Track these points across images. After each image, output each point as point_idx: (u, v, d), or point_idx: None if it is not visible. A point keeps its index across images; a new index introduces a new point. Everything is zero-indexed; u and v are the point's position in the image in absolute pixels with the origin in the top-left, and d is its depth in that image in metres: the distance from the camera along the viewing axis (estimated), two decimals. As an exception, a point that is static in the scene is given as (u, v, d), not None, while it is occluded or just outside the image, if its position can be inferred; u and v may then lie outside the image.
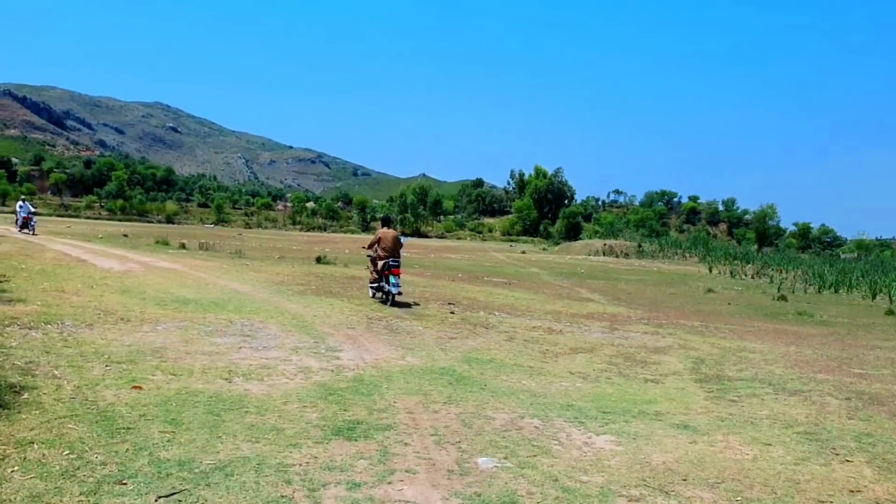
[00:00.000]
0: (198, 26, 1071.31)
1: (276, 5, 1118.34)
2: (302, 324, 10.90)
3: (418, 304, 14.62)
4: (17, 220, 34.98)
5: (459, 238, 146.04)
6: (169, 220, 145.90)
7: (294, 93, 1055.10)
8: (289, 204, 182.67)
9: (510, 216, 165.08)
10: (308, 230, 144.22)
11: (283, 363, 8.13)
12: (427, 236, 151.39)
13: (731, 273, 41.16)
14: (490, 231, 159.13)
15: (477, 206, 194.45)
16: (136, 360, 7.58)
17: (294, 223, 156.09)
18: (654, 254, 61.16)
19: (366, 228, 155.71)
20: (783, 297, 24.52)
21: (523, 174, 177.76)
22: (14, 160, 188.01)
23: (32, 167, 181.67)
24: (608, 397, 7.67)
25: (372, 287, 15.26)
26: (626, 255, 60.30)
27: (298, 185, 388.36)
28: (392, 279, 14.52)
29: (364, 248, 16.61)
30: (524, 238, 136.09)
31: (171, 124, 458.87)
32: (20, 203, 35.39)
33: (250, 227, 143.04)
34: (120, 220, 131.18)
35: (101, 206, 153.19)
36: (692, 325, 15.37)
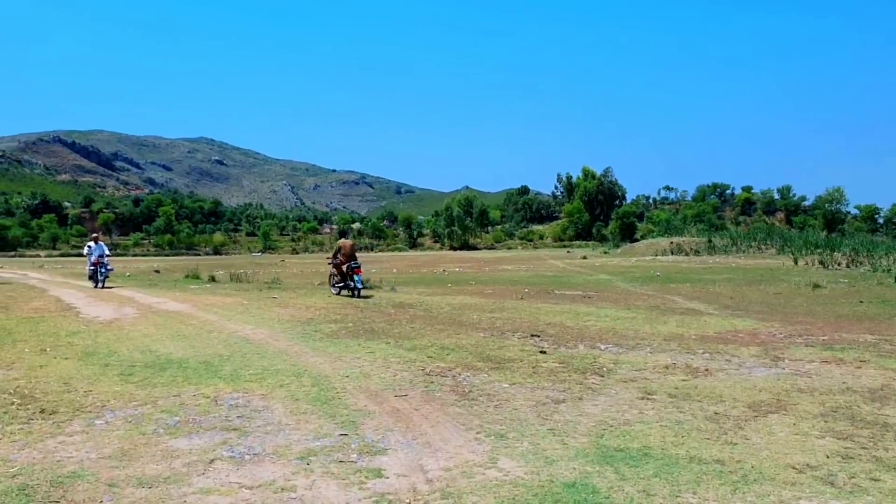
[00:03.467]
0: (237, 60, 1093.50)
1: (313, 35, 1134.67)
2: (325, 396, 7.06)
3: (394, 289, 10.94)
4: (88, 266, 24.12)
5: (510, 248, 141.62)
6: (216, 252, 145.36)
7: (335, 117, 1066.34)
8: (334, 226, 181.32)
9: (560, 221, 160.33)
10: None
11: (280, 496, 4.35)
12: (476, 248, 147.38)
13: (822, 263, 36.09)
14: (541, 238, 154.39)
15: (524, 213, 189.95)
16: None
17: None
18: (726, 248, 55.99)
19: (413, 245, 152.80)
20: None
21: (571, 177, 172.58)
22: (66, 204, 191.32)
23: (83, 210, 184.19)
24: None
25: (336, 286, 19.07)
26: (697, 252, 55.29)
27: (344, 208, 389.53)
28: (357, 277, 18.50)
29: (328, 259, 20.43)
30: (578, 242, 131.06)
31: (216, 157, 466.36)
32: (89, 244, 24.48)
33: (297, 253, 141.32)
34: (167, 255, 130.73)
35: (150, 243, 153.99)
36: (862, 339, 11.13)
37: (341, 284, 18.92)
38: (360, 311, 14.66)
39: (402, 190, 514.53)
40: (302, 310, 14.61)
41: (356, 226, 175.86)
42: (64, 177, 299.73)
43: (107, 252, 23.34)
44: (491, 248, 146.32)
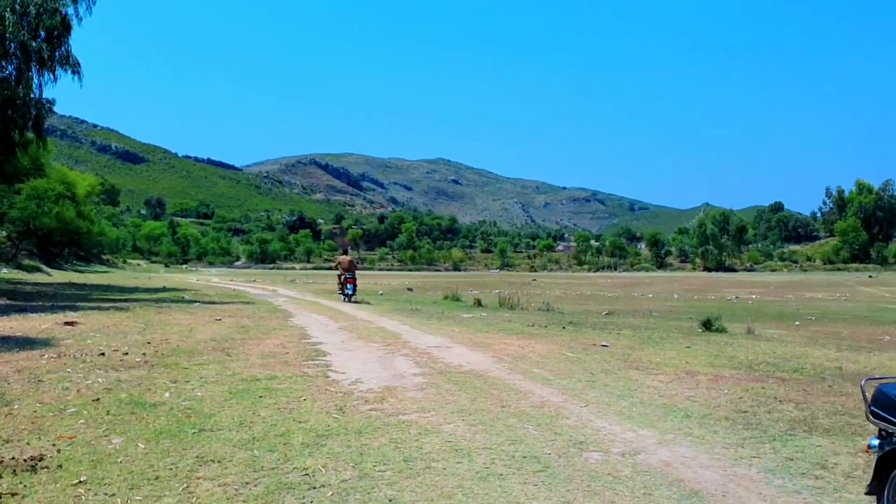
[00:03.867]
0: (471, 84, 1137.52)
1: (543, 57, 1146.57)
2: None
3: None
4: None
5: (773, 270, 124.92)
6: (455, 268, 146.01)
7: (566, 135, 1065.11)
8: (571, 244, 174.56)
9: (830, 241, 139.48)
10: (596, 270, 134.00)
11: None
12: (734, 269, 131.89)
13: None
14: (808, 259, 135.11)
15: (778, 232, 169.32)
16: None
17: (579, 263, 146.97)
18: None
19: (661, 265, 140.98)
20: None
21: (843, 191, 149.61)
22: (319, 221, 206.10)
23: (334, 226, 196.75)
24: None
25: (343, 293, 21.86)
26: None
27: (574, 225, 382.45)
28: (349, 286, 21.40)
29: (335, 267, 25.59)
30: (854, 265, 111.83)
31: (452, 177, 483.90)
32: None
33: (535, 270, 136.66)
34: (410, 270, 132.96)
35: (393, 258, 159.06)
36: None
37: (343, 293, 22.08)
38: (768, 386, 7.57)
39: (635, 207, 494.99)
40: (693, 383, 7.88)
41: (594, 243, 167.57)
42: (318, 196, 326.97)
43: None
44: (750, 269, 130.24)
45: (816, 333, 14.04)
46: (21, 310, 13.68)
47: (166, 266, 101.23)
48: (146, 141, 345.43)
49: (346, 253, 25.62)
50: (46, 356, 7.97)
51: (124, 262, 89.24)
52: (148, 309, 14.94)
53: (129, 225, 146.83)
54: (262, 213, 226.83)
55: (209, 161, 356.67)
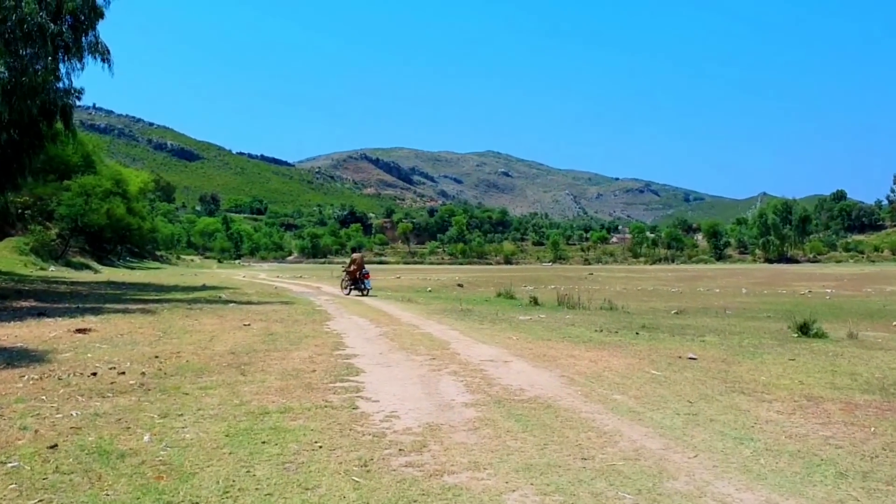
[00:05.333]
0: (520, 76, 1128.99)
1: (593, 48, 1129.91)
2: None
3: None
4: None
5: (838, 261, 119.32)
6: (507, 261, 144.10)
7: (618, 125, 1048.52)
8: (626, 235, 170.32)
9: None
10: (653, 262, 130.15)
11: None
12: (796, 261, 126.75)
13: None
14: (876, 250, 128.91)
15: (841, 222, 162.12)
16: None
17: (635, 256, 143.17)
18: None
19: (720, 257, 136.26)
20: None
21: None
22: (370, 215, 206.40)
23: (385, 220, 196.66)
24: None
25: (348, 288, 23.97)
26: None
27: (628, 216, 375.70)
28: (366, 282, 23.67)
29: (344, 268, 25.64)
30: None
31: (502, 169, 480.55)
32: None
33: (589, 263, 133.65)
34: (461, 264, 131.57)
35: (444, 251, 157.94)
36: None
37: (352, 286, 23.83)
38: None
39: (690, 197, 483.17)
40: (822, 415, 6.14)
41: (650, 235, 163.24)
42: (369, 190, 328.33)
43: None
44: (814, 260, 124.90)
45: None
46: (40, 313, 12.65)
47: (219, 262, 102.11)
48: (201, 138, 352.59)
49: (355, 251, 32.86)
50: (28, 376, 6.69)
51: (178, 257, 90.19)
52: (176, 311, 13.77)
53: (183, 221, 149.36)
54: (314, 208, 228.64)
55: (262, 157, 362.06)
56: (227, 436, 4.86)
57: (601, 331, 11.90)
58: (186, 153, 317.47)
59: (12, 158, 15.71)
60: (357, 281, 23.72)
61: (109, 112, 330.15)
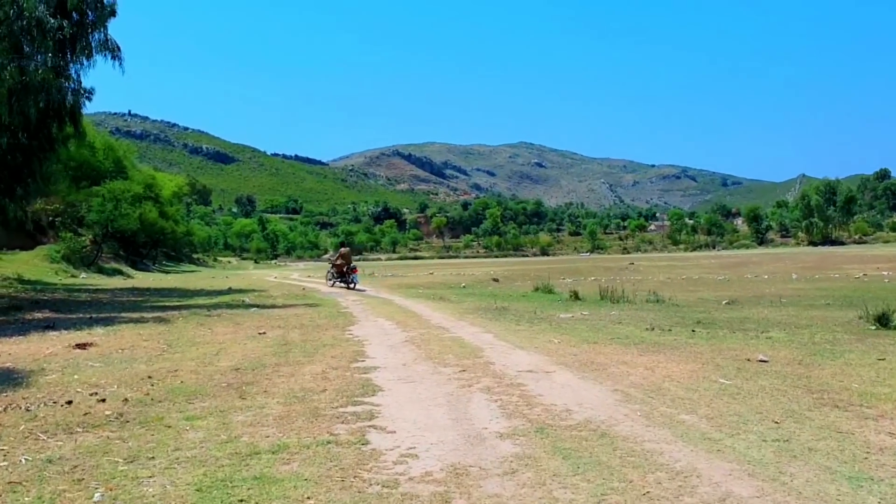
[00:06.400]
0: (551, 65, 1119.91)
1: (622, 31, 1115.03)
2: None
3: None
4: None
5: (886, 241, 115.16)
6: (543, 252, 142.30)
7: (653, 111, 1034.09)
8: (665, 223, 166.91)
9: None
10: (693, 249, 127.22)
11: None
12: (842, 243, 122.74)
13: None
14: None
15: (886, 201, 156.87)
16: None
17: (675, 243, 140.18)
18: None
19: (762, 241, 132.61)
20: None
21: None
22: (404, 210, 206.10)
23: (419, 215, 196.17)
24: None
25: (332, 280, 25.30)
26: None
27: (665, 203, 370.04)
28: (353, 276, 24.29)
29: (331, 260, 27.00)
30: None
31: (535, 160, 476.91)
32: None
33: (628, 252, 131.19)
34: (496, 257, 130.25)
35: (479, 245, 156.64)
36: None
37: (338, 279, 24.85)
38: None
39: (728, 182, 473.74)
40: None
41: (689, 221, 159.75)
42: (402, 186, 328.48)
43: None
44: (860, 242, 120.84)
45: None
46: (48, 326, 11.90)
47: (255, 262, 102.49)
48: (236, 141, 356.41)
49: (343, 245, 29.28)
50: (-7, 407, 5.79)
51: (215, 260, 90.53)
52: (191, 319, 12.93)
53: (220, 223, 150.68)
54: (349, 206, 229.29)
55: (296, 157, 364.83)
56: (198, 490, 3.84)
57: (652, 329, 10.70)
58: (222, 156, 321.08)
59: (22, 163, 15.05)
60: (344, 274, 24.69)
61: (145, 118, 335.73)
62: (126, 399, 6.05)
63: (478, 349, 8.87)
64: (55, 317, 13.84)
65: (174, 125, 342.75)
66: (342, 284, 24.57)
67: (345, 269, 24.70)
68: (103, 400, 6.03)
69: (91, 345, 9.59)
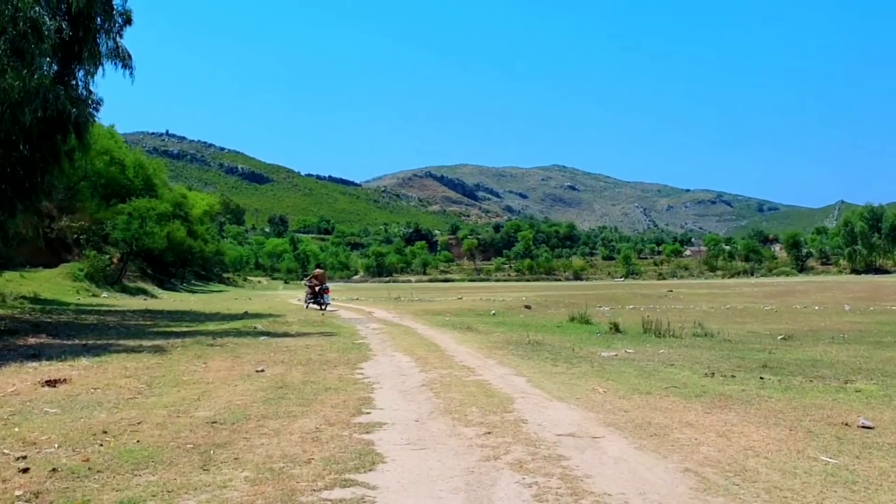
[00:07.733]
0: (584, 90, 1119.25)
1: (656, 58, 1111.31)
2: None
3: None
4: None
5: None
6: (576, 277, 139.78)
7: (687, 135, 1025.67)
8: (701, 248, 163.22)
9: None
10: (731, 276, 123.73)
11: None
12: (887, 271, 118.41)
13: None
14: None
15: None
16: None
17: (711, 269, 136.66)
18: None
19: (801, 269, 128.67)
20: None
21: None
22: (435, 232, 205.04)
23: (450, 236, 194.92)
24: None
25: (309, 301, 25.67)
26: None
27: (700, 228, 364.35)
28: (325, 297, 24.87)
29: (306, 283, 28.24)
30: None
31: (568, 183, 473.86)
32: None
33: (664, 277, 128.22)
34: (528, 281, 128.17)
35: (510, 267, 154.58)
36: None
37: (311, 301, 25.41)
38: None
39: (764, 207, 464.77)
40: None
41: (726, 247, 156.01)
42: (434, 207, 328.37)
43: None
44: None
45: None
46: (34, 354, 10.78)
47: (285, 282, 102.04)
48: (270, 161, 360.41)
49: (318, 267, 30.31)
50: None
51: (245, 279, 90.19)
52: (190, 350, 11.69)
53: (252, 243, 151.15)
54: (380, 227, 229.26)
55: (330, 178, 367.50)
56: None
57: (712, 375, 9.14)
58: (257, 176, 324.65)
59: (23, 177, 14.09)
60: (317, 295, 24.95)
61: (182, 138, 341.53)
62: (55, 469, 4.73)
63: (507, 399, 7.42)
64: (47, 342, 12.75)
65: (210, 145, 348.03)
66: (315, 306, 24.85)
67: (317, 290, 25.09)
68: (26, 470, 4.72)
69: (63, 381, 8.38)
